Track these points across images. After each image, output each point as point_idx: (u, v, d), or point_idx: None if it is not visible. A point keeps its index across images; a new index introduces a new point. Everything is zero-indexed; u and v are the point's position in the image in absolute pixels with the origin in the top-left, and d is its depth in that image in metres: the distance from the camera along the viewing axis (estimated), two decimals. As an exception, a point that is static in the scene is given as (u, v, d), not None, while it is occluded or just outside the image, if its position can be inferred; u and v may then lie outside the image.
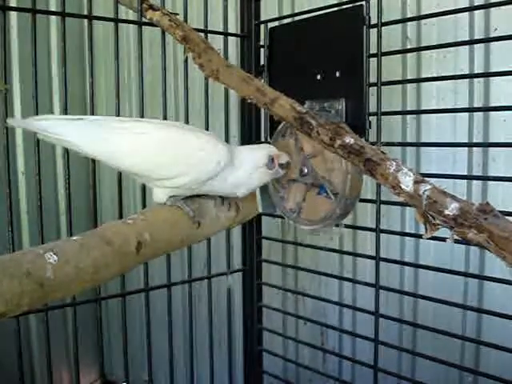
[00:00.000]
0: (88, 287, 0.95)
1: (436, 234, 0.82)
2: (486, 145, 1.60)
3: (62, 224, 2.39)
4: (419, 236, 1.23)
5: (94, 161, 1.35)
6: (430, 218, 0.79)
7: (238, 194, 1.18)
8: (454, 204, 0.76)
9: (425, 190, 0.79)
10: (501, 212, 0.78)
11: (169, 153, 1.09)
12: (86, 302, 1.38)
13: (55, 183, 2.37)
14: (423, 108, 1.69)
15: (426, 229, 0.80)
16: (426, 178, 0.83)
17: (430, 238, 0.86)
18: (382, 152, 0.87)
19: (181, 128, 1.15)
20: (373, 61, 1.22)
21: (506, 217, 0.76)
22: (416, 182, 0.81)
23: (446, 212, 0.76)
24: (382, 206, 1.27)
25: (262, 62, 1.47)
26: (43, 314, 1.32)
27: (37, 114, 1.25)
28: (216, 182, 1.13)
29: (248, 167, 1.15)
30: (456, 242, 0.81)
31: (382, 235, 1.29)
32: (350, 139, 0.89)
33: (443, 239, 0.84)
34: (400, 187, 0.82)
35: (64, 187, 1.35)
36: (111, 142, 1.08)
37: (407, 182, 0.81)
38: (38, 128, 1.07)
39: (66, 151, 1.31)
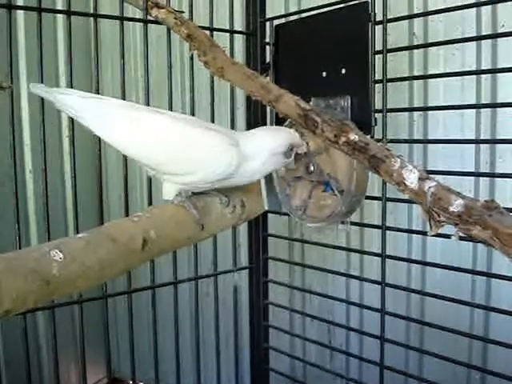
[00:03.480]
0: (94, 285, 0.96)
1: (442, 231, 0.82)
2: (494, 141, 1.59)
3: (69, 222, 2.40)
4: (425, 233, 1.23)
5: (100, 159, 1.35)
6: (435, 214, 0.78)
7: (251, 181, 1.18)
8: (458, 201, 0.76)
9: (429, 187, 0.79)
10: (509, 209, 0.78)
11: (182, 151, 1.09)
12: (92, 300, 1.39)
13: (63, 181, 2.37)
14: (430, 105, 1.68)
15: (431, 226, 0.80)
16: (431, 175, 0.82)
17: (436, 235, 0.86)
18: (386, 149, 0.86)
19: (196, 126, 1.12)
20: (379, 58, 1.21)
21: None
22: (421, 179, 0.80)
23: (451, 209, 0.76)
24: (389, 203, 1.27)
25: (267, 60, 1.47)
26: (50, 311, 1.33)
27: (43, 112, 1.27)
28: (229, 180, 1.14)
29: (264, 156, 1.12)
30: (461, 238, 0.80)
31: (390, 233, 1.29)
32: (354, 136, 0.89)
33: (449, 236, 0.84)
34: (404, 184, 0.81)
35: (71, 185, 1.35)
36: (127, 131, 1.09)
37: (412, 178, 0.81)
38: (57, 99, 1.09)
39: (73, 148, 1.32)
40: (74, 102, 1.08)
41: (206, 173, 1.09)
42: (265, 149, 1.12)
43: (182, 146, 1.09)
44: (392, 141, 1.24)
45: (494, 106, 1.59)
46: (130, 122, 1.09)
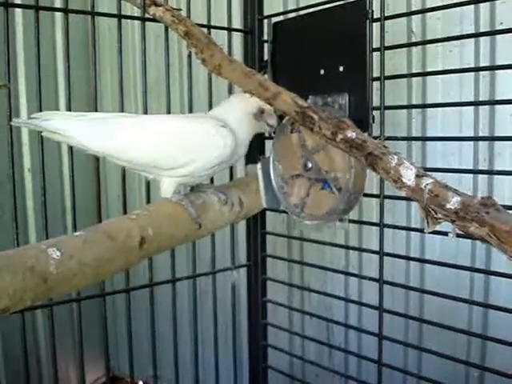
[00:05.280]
0: (91, 282, 0.96)
1: (440, 228, 0.82)
2: (492, 139, 1.59)
3: (68, 221, 2.39)
4: (422, 231, 1.23)
5: (98, 158, 1.35)
6: (432, 211, 0.78)
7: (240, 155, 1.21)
8: (455, 198, 0.76)
9: (426, 184, 0.79)
10: (507, 206, 0.78)
11: (173, 142, 1.10)
12: (90, 298, 1.39)
13: (61, 180, 2.37)
14: (429, 102, 1.68)
15: (428, 223, 0.80)
16: (429, 172, 0.82)
17: (433, 233, 0.86)
18: (383, 146, 0.86)
19: (184, 117, 1.17)
20: (377, 55, 1.21)
21: (509, 210, 0.75)
22: (418, 176, 0.80)
23: (448, 206, 0.76)
24: (388, 201, 1.27)
25: (265, 57, 1.47)
26: (49, 309, 1.33)
27: (40, 111, 1.26)
28: (229, 162, 1.17)
29: (238, 114, 1.17)
30: (458, 236, 0.80)
31: (389, 231, 1.29)
32: (351, 133, 0.89)
33: (446, 233, 0.84)
34: (401, 181, 0.81)
35: (69, 184, 1.35)
36: (115, 138, 1.09)
37: (409, 175, 0.81)
38: (42, 127, 1.07)
39: (71, 148, 1.32)
40: (58, 126, 1.07)
41: (204, 159, 1.10)
42: (238, 111, 1.17)
43: (178, 138, 1.11)
44: (390, 138, 1.24)
45: (492, 103, 1.59)
46: (118, 129, 1.10)
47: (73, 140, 1.08)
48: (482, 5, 1.52)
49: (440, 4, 1.25)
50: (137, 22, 1.38)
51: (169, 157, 1.10)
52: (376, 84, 1.22)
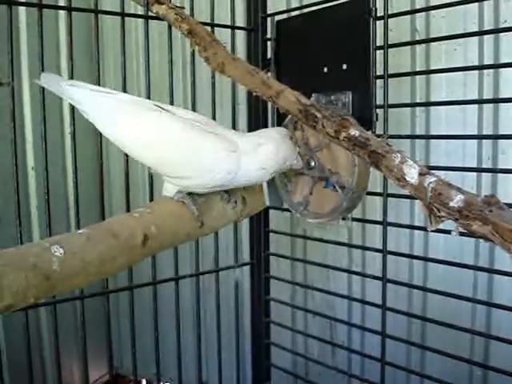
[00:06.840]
0: (94, 280, 0.96)
1: (443, 226, 0.82)
2: (496, 137, 1.59)
3: (72, 218, 2.39)
4: (425, 229, 1.23)
5: (101, 156, 1.36)
6: (435, 210, 0.78)
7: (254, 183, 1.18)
8: (458, 196, 0.75)
9: (430, 182, 0.78)
10: (510, 204, 0.77)
11: (181, 154, 1.07)
12: (93, 296, 1.39)
13: (65, 177, 2.37)
14: (432, 100, 1.68)
15: (431, 221, 0.80)
16: (432, 171, 0.82)
17: (436, 231, 0.86)
18: (387, 144, 0.86)
19: (202, 130, 1.08)
20: (381, 53, 1.21)
21: (512, 209, 0.75)
22: (421, 174, 0.80)
23: (451, 204, 0.76)
24: (391, 199, 1.26)
25: (269, 55, 1.47)
26: (52, 307, 1.33)
27: (44, 109, 1.27)
28: (230, 185, 1.13)
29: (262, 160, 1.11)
30: (461, 234, 0.80)
31: (392, 229, 1.28)
32: (354, 131, 0.89)
33: (449, 232, 0.84)
34: (405, 179, 0.81)
35: (72, 181, 1.35)
36: (125, 132, 1.07)
37: (412, 173, 0.80)
38: (63, 90, 1.07)
39: (74, 145, 1.32)
40: (79, 96, 1.06)
41: (205, 179, 1.08)
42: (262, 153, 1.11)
43: (181, 149, 1.06)
44: (393, 136, 1.24)
45: (496, 101, 1.58)
46: (132, 120, 1.07)
47: (85, 114, 1.07)
48: (485, 3, 1.51)
49: (444, 2, 1.25)
50: (140, 20, 1.38)
51: (173, 167, 1.08)
52: (379, 82, 1.22)
